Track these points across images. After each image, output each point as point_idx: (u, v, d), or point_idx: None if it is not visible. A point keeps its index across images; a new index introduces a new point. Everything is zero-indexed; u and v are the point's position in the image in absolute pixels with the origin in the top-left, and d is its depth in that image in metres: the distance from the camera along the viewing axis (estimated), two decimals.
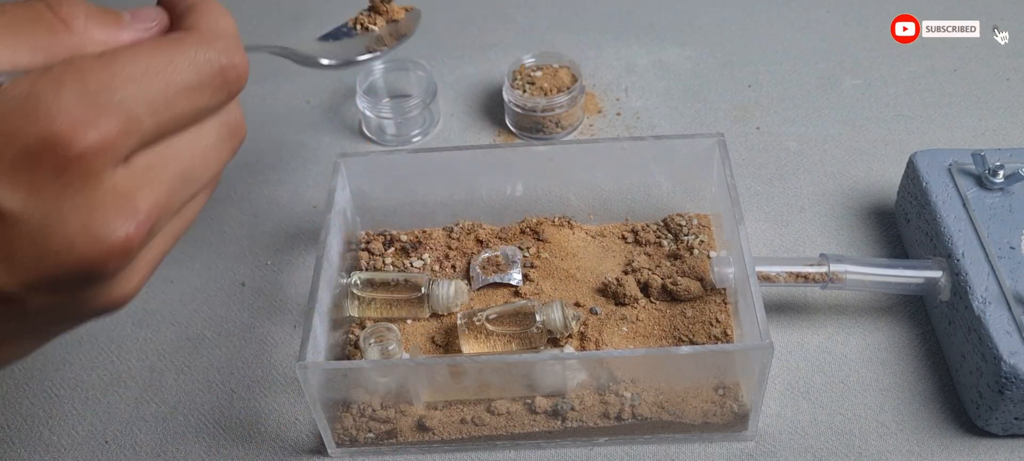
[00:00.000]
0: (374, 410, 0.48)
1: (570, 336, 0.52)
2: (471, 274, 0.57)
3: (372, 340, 0.50)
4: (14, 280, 0.27)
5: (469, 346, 0.51)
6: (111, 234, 0.27)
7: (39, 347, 0.33)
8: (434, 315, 0.54)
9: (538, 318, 0.51)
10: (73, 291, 0.28)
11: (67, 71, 0.27)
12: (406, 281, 0.54)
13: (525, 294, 0.55)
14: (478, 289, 0.56)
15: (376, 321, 0.54)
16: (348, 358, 0.52)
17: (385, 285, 0.54)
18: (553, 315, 0.51)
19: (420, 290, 0.53)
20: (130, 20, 0.31)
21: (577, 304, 0.54)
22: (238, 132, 0.33)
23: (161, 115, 0.28)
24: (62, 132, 0.26)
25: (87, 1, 0.30)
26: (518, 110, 0.68)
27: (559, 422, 0.48)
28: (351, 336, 0.53)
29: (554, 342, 0.52)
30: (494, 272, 0.56)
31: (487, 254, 0.57)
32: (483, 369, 0.47)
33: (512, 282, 0.56)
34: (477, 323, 0.51)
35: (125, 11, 0.31)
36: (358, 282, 0.54)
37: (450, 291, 0.53)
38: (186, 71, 0.29)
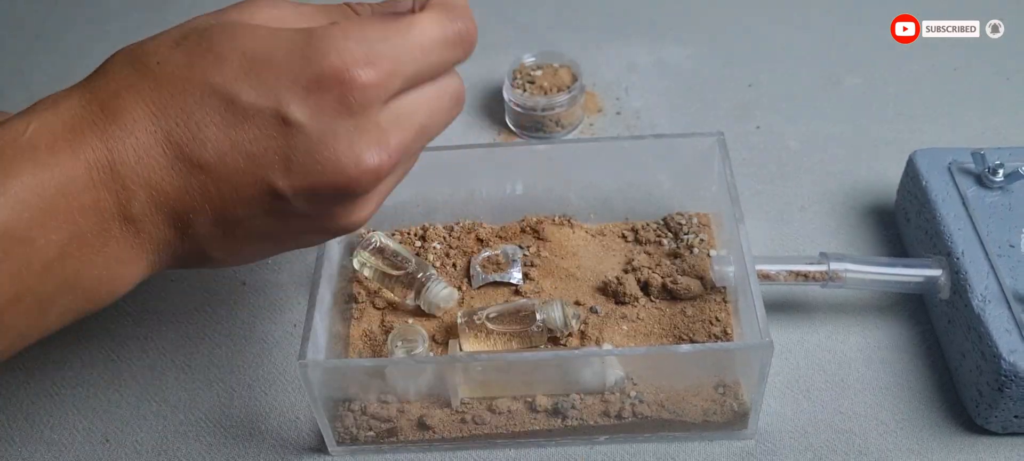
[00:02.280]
0: (375, 408, 0.48)
1: (570, 334, 0.52)
2: (471, 272, 0.57)
3: (399, 341, 0.50)
4: (287, 182, 0.34)
5: (469, 344, 0.51)
6: (369, 159, 0.34)
7: (276, 252, 0.40)
8: (417, 310, 0.54)
9: (539, 317, 0.51)
10: (328, 203, 0.35)
11: (351, 24, 0.34)
12: (413, 262, 0.54)
13: (525, 293, 0.55)
14: (478, 288, 0.56)
15: (372, 291, 0.54)
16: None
17: (394, 255, 0.54)
18: (553, 314, 0.51)
19: (418, 275, 0.53)
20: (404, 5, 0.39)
21: (577, 303, 0.54)
22: (460, 98, 0.40)
23: (419, 63, 0.35)
24: (348, 67, 0.33)
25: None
26: (518, 109, 0.68)
27: (559, 421, 0.48)
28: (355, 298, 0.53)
29: (554, 341, 0.52)
30: (494, 271, 0.56)
31: (487, 253, 0.57)
32: (502, 367, 0.47)
33: (512, 281, 0.56)
34: (477, 322, 0.51)
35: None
36: (378, 241, 0.55)
37: (442, 293, 0.53)
38: (437, 30, 0.36)
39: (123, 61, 0.35)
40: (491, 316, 0.51)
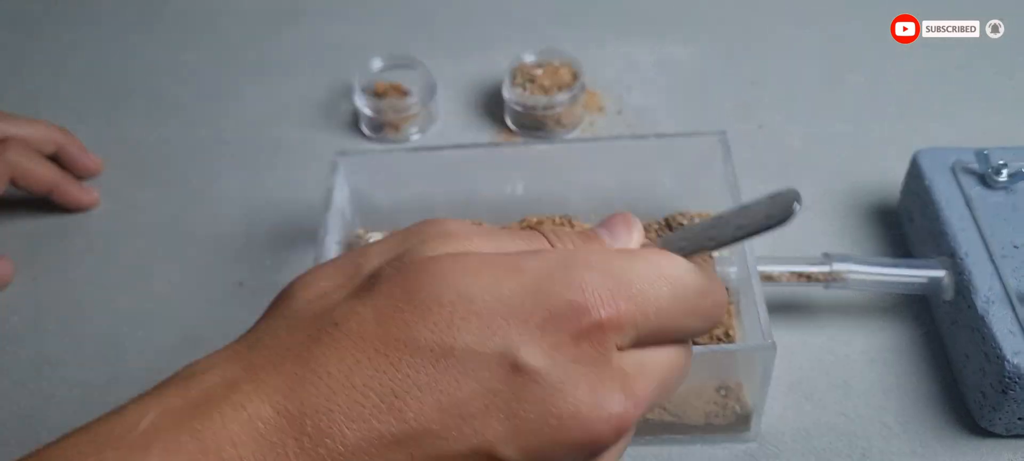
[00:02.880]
0: None
1: None
2: None
3: None
4: (514, 444, 0.27)
5: None
6: (614, 405, 0.28)
7: None
8: None
9: None
10: None
11: (594, 255, 0.29)
12: None
13: None
14: None
15: None
16: None
17: None
18: None
19: None
20: (609, 238, 0.32)
21: None
22: (690, 359, 0.33)
23: (663, 319, 0.29)
24: (587, 302, 0.27)
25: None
26: (518, 108, 0.67)
27: None
28: None
29: None
30: None
31: None
32: None
33: None
34: None
35: (601, 230, 0.33)
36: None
37: None
38: (693, 296, 0.30)
39: (281, 321, 0.29)
40: None
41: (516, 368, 0.26)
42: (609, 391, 0.28)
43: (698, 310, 0.31)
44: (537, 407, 0.27)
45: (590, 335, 0.27)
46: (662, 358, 0.30)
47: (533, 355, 0.27)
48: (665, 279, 0.29)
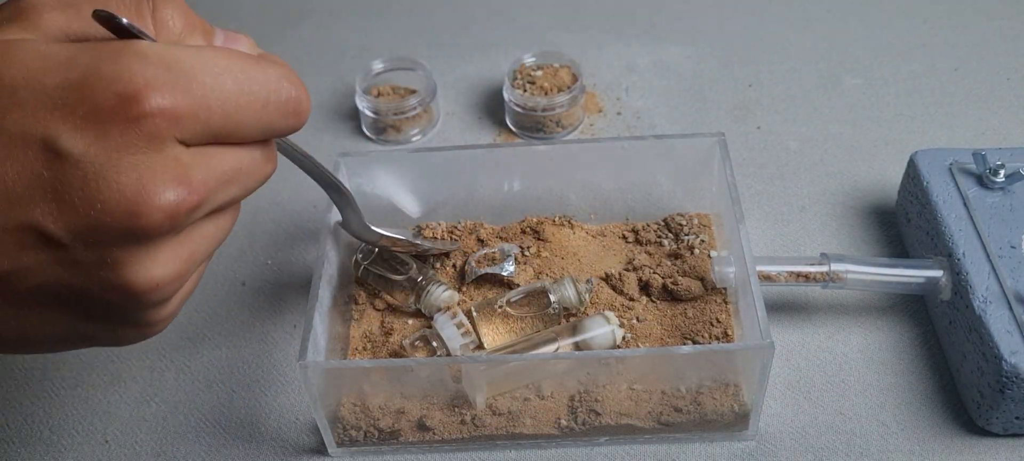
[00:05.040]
0: (375, 410, 0.48)
1: (586, 310, 0.52)
2: (467, 268, 0.56)
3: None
4: (61, 223, 0.29)
5: (489, 331, 0.51)
6: (163, 194, 0.29)
7: (67, 334, 0.34)
8: (418, 312, 0.54)
9: (552, 298, 0.51)
10: (111, 248, 0.30)
11: (155, 47, 0.30)
12: (413, 265, 0.54)
13: (517, 285, 0.55)
14: (470, 282, 0.56)
15: (373, 294, 0.55)
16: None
17: (393, 258, 0.54)
18: (566, 293, 0.51)
19: (419, 278, 0.53)
20: (223, 37, 0.34)
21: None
22: (271, 161, 0.35)
23: (230, 116, 0.31)
24: (139, 91, 0.28)
25: (185, 4, 0.34)
26: (518, 109, 0.68)
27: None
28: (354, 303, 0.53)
29: (571, 318, 0.52)
30: (488, 265, 0.56)
31: (484, 251, 0.57)
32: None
33: (504, 273, 0.55)
34: (499, 310, 0.51)
35: (219, 29, 0.34)
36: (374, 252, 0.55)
37: (442, 295, 0.53)
38: (263, 87, 0.32)
39: None
40: (512, 301, 0.51)
41: (58, 155, 0.28)
42: (160, 181, 0.29)
43: (275, 105, 0.32)
44: (80, 191, 0.29)
45: (139, 125, 0.28)
46: (231, 154, 0.32)
47: (74, 143, 0.28)
48: (233, 75, 0.31)
